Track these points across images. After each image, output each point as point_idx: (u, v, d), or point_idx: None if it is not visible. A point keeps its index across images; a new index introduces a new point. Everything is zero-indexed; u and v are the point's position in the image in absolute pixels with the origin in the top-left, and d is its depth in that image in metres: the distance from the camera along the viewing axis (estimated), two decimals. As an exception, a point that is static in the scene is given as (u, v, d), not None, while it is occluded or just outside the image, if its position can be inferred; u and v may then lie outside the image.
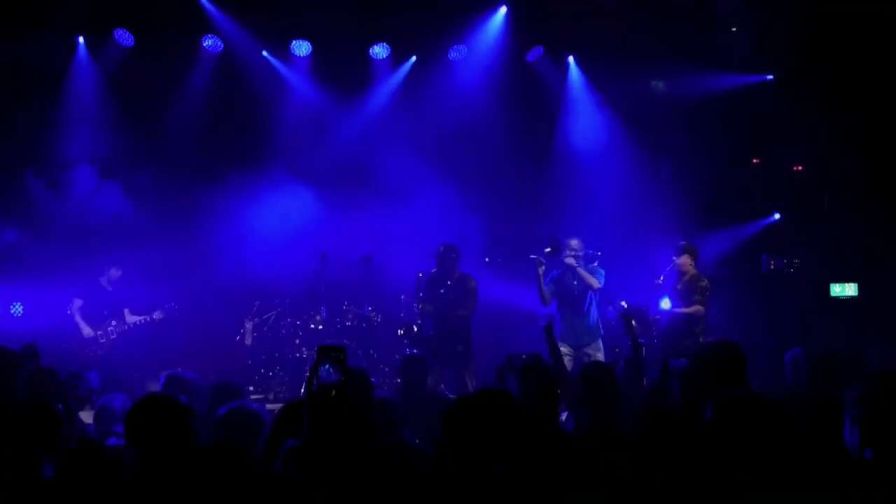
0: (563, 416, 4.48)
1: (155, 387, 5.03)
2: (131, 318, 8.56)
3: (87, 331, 8.32)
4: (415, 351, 7.24)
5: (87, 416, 4.70)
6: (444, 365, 7.68)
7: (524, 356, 4.47)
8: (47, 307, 8.73)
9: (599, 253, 7.93)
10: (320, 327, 9.22)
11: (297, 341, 9.31)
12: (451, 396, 7.24)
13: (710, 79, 9.81)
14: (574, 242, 7.76)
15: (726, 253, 10.08)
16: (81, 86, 9.58)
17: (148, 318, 8.56)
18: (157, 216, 9.51)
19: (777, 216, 10.21)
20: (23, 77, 9.17)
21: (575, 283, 7.78)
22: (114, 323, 8.43)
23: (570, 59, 10.29)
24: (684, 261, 7.78)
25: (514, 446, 2.82)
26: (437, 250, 7.83)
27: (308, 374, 2.62)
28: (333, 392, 2.56)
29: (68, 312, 8.44)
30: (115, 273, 8.53)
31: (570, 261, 7.69)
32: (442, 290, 7.83)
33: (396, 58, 10.18)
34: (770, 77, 9.96)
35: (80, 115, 9.51)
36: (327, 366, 2.60)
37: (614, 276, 8.07)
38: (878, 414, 2.74)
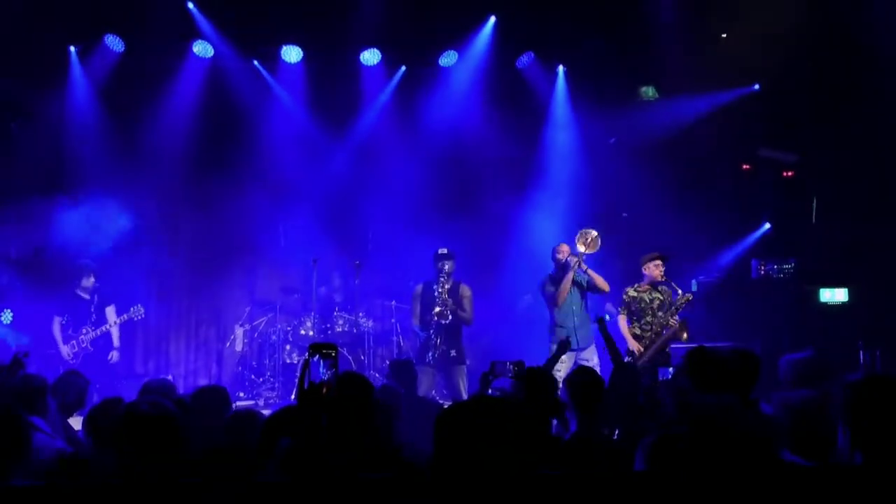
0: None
1: (145, 393, 4.98)
2: (113, 318, 8.37)
3: (65, 350, 8.18)
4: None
5: (76, 423, 4.67)
6: (438, 370, 7.66)
7: (509, 363, 4.47)
8: (36, 314, 8.63)
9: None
10: (311, 333, 9.19)
11: (288, 347, 9.29)
12: (442, 402, 7.24)
13: (699, 87, 9.86)
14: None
15: (717, 259, 10.12)
16: (77, 96, 9.50)
17: (126, 317, 8.36)
18: (146, 221, 9.45)
19: (767, 226, 10.25)
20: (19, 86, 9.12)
21: (579, 284, 7.79)
22: (84, 331, 8.24)
23: (560, 68, 10.31)
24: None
25: (512, 453, 2.79)
26: (434, 255, 7.79)
27: (299, 373, 2.61)
28: (325, 389, 2.56)
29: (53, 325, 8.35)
30: (87, 282, 8.33)
31: (577, 263, 7.69)
32: (437, 295, 7.79)
33: (387, 64, 10.17)
34: (756, 87, 10.01)
35: (78, 123, 9.45)
36: (319, 362, 2.59)
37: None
38: (867, 418, 2.76)
